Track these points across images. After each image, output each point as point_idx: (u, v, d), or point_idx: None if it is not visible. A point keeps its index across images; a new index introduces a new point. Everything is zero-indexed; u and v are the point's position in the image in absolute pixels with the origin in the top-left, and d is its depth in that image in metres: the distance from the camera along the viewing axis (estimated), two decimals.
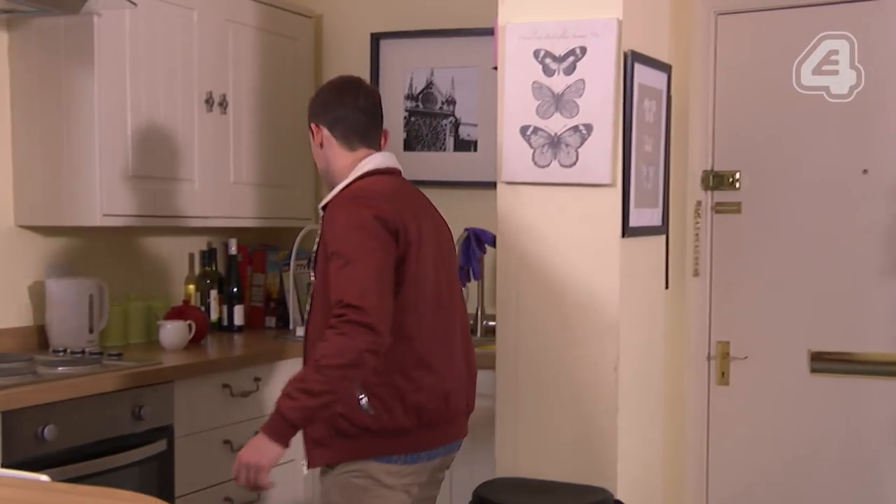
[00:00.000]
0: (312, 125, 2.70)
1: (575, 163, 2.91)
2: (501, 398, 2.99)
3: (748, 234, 3.77)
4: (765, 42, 3.74)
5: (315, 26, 4.33)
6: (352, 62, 4.30)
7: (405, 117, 4.21)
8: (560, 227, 2.94)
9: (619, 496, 2.84)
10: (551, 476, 2.91)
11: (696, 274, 3.79)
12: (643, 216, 3.04)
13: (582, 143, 2.90)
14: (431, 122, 4.18)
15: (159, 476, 3.09)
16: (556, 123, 2.92)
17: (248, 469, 2.45)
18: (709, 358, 3.79)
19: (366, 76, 4.25)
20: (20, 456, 2.65)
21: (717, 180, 3.79)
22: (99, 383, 2.92)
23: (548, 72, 2.94)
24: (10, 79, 3.39)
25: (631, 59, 2.90)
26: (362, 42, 4.28)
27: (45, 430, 2.74)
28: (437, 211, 2.74)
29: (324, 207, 2.64)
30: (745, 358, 3.75)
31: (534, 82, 2.95)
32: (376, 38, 4.25)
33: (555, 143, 2.92)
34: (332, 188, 2.68)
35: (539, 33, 2.93)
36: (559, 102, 2.92)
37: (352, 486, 2.53)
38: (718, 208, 3.80)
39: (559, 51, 2.91)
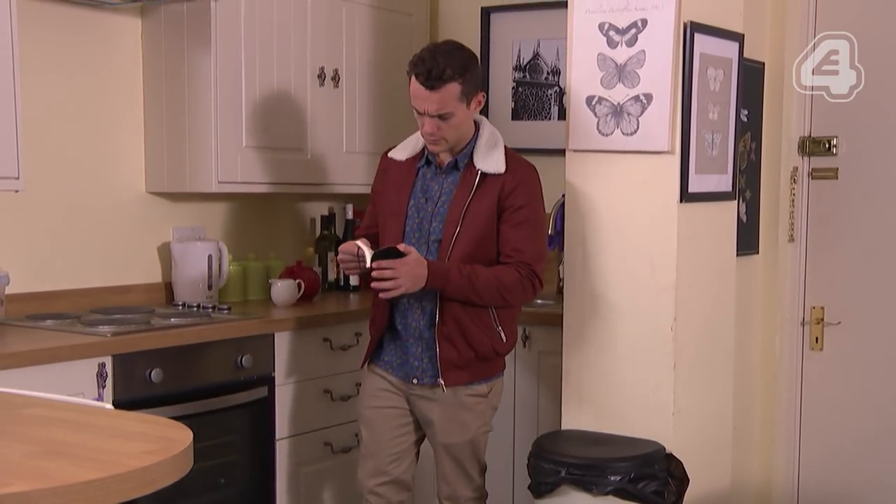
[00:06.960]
0: (480, 94, 2.98)
1: (636, 131, 3.02)
2: (567, 354, 3.15)
3: (845, 200, 3.76)
4: (865, 5, 3.71)
5: (430, 1, 4.54)
6: (465, 35, 4.47)
7: (513, 88, 4.38)
8: (622, 193, 3.07)
9: (673, 450, 2.95)
10: (612, 429, 3.06)
11: (791, 240, 3.81)
12: (707, 182, 3.11)
13: (642, 112, 3.01)
14: (537, 92, 4.33)
15: (260, 420, 3.41)
16: (619, 93, 3.05)
17: (395, 280, 2.84)
18: (802, 323, 3.81)
19: (476, 49, 4.45)
20: (130, 395, 3.00)
21: (813, 146, 3.80)
22: (202, 333, 3.25)
23: (611, 44, 3.06)
24: (143, 61, 3.77)
25: (690, 30, 2.98)
26: (474, 16, 4.46)
27: (153, 373, 3.09)
28: None
29: (505, 169, 2.95)
30: (839, 323, 3.75)
31: (599, 54, 3.07)
32: (487, 13, 4.43)
33: (617, 112, 3.05)
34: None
35: (604, 7, 3.06)
36: (622, 73, 3.04)
37: (496, 405, 3.10)
38: (815, 174, 3.81)
39: (622, 23, 3.03)
